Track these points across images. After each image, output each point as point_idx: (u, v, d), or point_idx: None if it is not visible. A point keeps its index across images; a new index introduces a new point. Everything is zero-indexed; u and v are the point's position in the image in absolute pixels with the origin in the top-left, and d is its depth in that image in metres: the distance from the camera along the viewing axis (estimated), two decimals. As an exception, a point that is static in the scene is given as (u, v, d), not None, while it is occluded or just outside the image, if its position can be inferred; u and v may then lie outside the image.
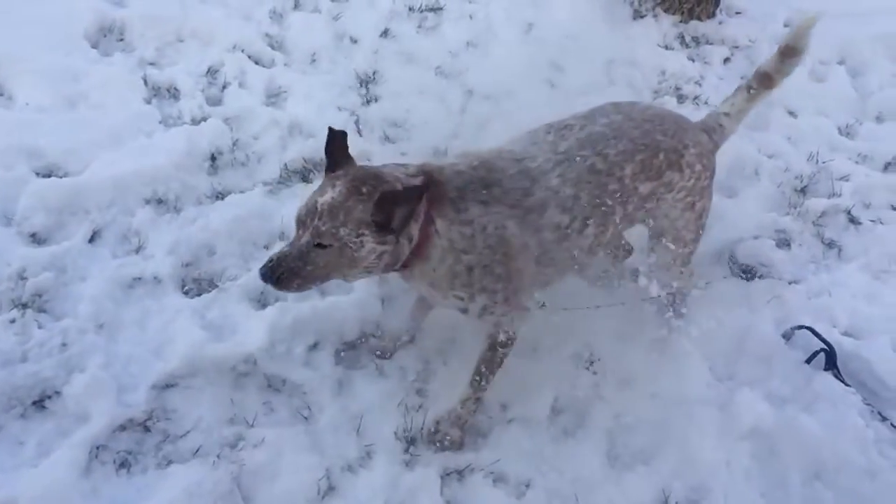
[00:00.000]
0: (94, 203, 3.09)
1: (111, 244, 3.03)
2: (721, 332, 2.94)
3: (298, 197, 3.23)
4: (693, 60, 4.57)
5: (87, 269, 2.90)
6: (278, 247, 3.06)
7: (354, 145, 3.57)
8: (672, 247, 2.69)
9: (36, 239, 2.98)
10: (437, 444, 2.57)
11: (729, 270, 3.33)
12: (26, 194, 3.04)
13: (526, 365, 2.73)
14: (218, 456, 2.45)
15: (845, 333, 3.07)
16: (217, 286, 2.93)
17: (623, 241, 3.05)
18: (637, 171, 2.43)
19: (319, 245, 2.11)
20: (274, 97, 3.84)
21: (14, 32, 3.70)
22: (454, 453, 2.57)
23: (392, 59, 4.18)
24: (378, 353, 2.83)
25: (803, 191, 3.72)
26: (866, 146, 4.01)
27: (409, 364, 2.82)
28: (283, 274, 2.12)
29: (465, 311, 2.39)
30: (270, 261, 2.14)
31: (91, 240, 3.01)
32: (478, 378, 2.55)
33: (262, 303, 2.90)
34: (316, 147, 3.55)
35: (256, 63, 4.00)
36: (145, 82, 3.72)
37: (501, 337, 2.48)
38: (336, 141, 2.23)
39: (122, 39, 3.95)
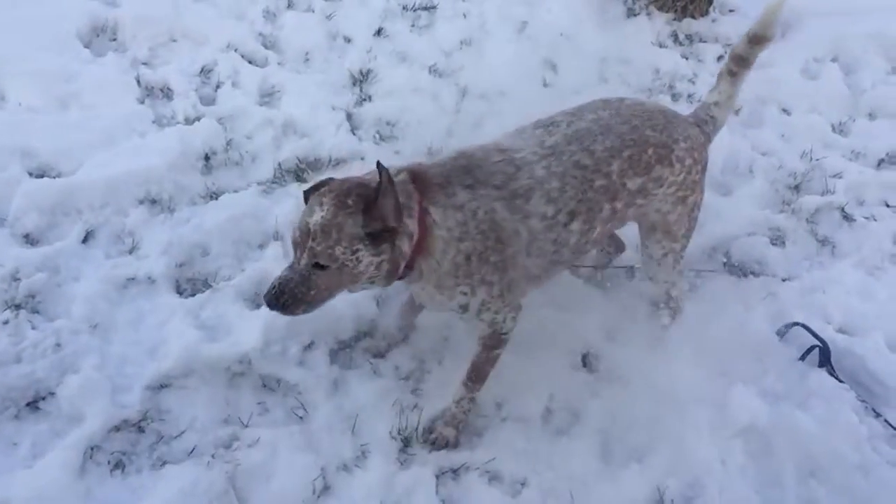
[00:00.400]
0: (88, 203, 3.09)
1: (104, 244, 3.02)
2: (715, 330, 2.96)
3: (293, 196, 3.23)
4: (686, 58, 4.58)
5: (81, 270, 2.89)
6: (273, 247, 3.07)
7: (348, 145, 3.63)
8: (664, 241, 2.69)
9: (29, 239, 2.97)
10: (432, 444, 2.57)
11: (723, 268, 3.34)
12: (19, 195, 3.03)
13: (520, 364, 2.73)
14: (213, 456, 2.45)
15: (839, 330, 3.08)
16: (211, 286, 2.92)
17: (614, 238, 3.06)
18: (625, 167, 2.43)
19: (318, 266, 2.11)
20: (267, 96, 3.84)
21: (6, 33, 3.68)
22: (449, 452, 2.57)
23: (386, 58, 4.18)
24: (373, 352, 2.83)
25: (797, 188, 3.74)
26: (859, 143, 4.02)
27: (403, 363, 2.81)
28: (287, 300, 2.13)
29: (466, 307, 2.38)
30: (273, 287, 2.13)
31: (84, 240, 3.01)
32: (472, 377, 2.55)
33: (256, 303, 2.89)
34: (310, 146, 3.56)
35: (250, 62, 3.99)
36: (138, 82, 3.71)
37: (495, 336, 2.48)
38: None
39: (114, 39, 3.94)
